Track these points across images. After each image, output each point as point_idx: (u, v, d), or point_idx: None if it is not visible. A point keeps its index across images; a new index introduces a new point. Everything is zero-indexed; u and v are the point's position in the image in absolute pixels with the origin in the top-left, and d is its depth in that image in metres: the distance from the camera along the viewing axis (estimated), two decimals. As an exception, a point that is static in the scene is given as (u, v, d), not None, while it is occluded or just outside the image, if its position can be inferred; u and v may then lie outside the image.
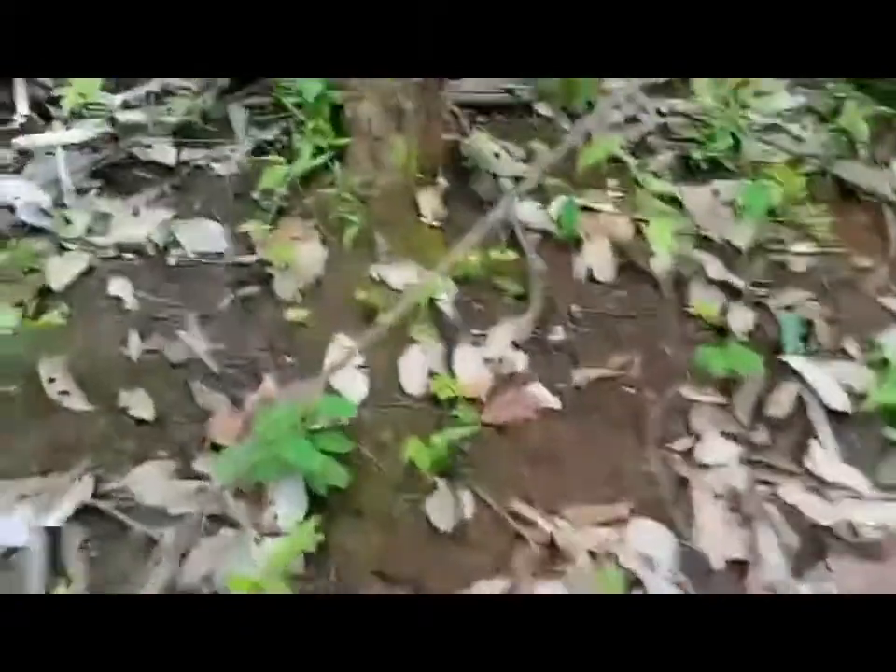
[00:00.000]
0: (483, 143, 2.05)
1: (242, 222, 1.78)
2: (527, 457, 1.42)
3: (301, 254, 1.71)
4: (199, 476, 1.35)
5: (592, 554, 1.29)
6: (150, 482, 1.33)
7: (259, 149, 1.99)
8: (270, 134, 2.02)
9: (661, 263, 1.78)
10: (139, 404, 1.42)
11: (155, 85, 2.14)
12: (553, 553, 1.29)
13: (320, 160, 1.83)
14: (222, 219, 1.80)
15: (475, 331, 1.65)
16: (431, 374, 1.53)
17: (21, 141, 1.84)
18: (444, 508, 1.31)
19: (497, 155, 2.02)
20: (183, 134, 2.00)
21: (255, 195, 1.86)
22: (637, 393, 1.55)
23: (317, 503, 1.31)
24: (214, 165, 1.95)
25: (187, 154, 1.96)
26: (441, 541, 1.28)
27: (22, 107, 2.04)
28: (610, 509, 1.35)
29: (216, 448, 1.38)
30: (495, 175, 1.99)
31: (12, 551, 1.22)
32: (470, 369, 1.55)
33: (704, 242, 1.87)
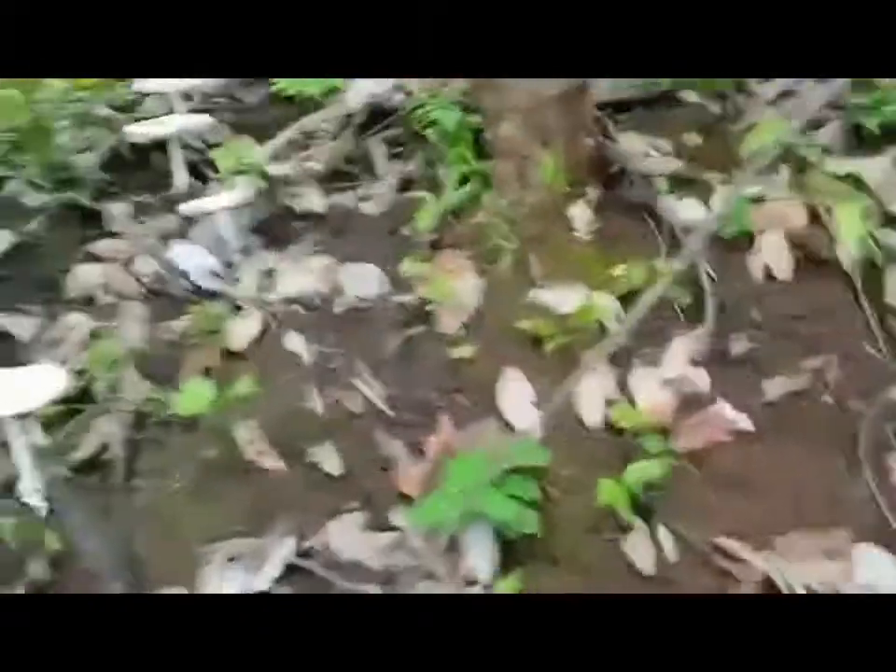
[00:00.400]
0: (629, 143, 1.96)
1: (397, 260, 1.79)
2: (725, 486, 1.34)
3: (458, 287, 1.70)
4: (392, 528, 1.37)
5: (810, 589, 1.20)
6: (346, 536, 1.37)
7: (404, 183, 2.00)
8: (411, 166, 2.03)
9: (847, 251, 1.62)
10: (327, 458, 1.46)
11: (294, 132, 2.20)
12: (769, 591, 1.20)
13: (468, 188, 1.81)
14: (379, 260, 1.82)
15: (648, 350, 1.57)
16: (609, 402, 1.48)
17: (187, 208, 1.94)
18: (644, 548, 1.26)
19: (646, 154, 1.92)
20: (329, 179, 2.05)
21: (406, 231, 1.87)
22: (840, 403, 1.42)
23: (508, 549, 1.29)
24: (362, 205, 1.98)
25: (336, 198, 2.00)
26: (646, 585, 1.23)
27: (181, 174, 2.16)
28: (827, 537, 1.25)
29: (403, 497, 1.40)
30: (646, 176, 1.89)
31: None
32: (650, 393, 1.48)
33: (891, 220, 1.69)
